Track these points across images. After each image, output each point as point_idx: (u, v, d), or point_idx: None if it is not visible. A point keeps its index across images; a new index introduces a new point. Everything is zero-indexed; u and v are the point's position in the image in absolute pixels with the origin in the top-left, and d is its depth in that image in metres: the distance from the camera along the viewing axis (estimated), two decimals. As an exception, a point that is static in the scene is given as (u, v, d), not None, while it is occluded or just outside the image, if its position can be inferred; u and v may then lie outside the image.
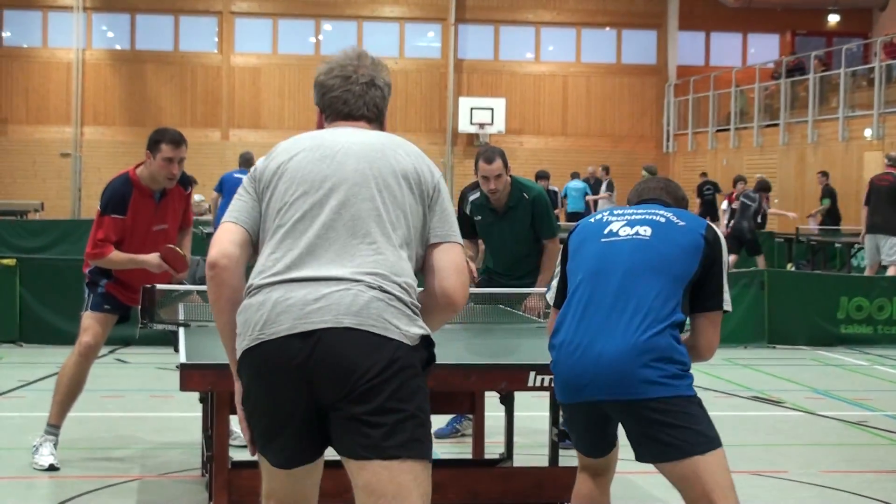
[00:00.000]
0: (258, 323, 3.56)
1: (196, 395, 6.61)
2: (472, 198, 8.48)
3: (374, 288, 3.53)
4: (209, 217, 22.00)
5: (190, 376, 4.87)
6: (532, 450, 7.69)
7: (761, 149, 30.48)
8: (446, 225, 3.73)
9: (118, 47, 34.75)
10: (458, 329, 6.48)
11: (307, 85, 33.97)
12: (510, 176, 8.26)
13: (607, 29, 36.16)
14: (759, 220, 22.02)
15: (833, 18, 36.36)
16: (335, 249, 3.59)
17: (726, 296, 4.56)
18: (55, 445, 7.58)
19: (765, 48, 36.30)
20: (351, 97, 3.83)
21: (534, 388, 5.18)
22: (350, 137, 3.76)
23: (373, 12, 35.08)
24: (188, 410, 8.51)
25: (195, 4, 34.72)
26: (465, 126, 34.60)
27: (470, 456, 6.96)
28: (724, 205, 23.92)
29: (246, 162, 17.80)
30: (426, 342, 3.60)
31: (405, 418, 3.50)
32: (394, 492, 3.46)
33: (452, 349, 5.97)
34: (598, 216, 4.78)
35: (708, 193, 26.89)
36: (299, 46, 35.07)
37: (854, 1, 35.57)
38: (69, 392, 7.58)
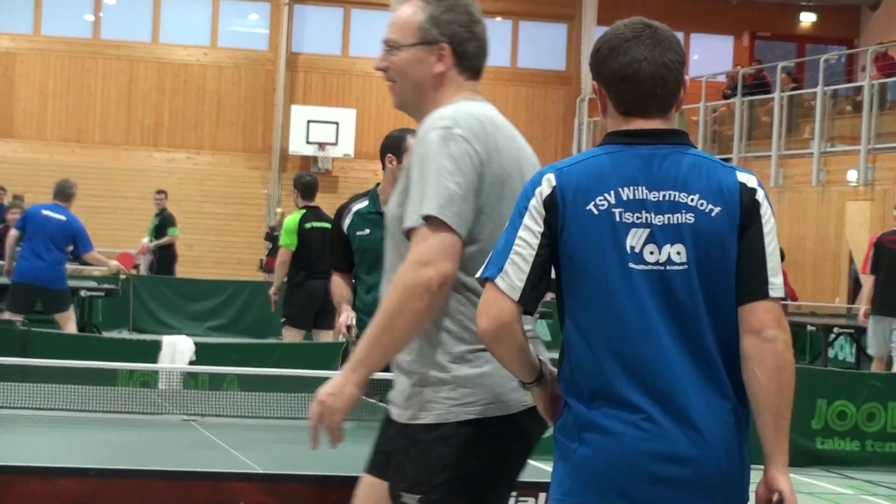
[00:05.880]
0: None
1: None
2: (356, 207, 8.65)
3: None
4: None
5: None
6: None
7: (706, 190, 29.06)
8: None
9: None
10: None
11: (79, 80, 34.27)
12: None
13: (498, 19, 34.11)
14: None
15: (807, 18, 36.37)
16: None
17: None
18: None
19: (714, 55, 35.74)
20: None
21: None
22: None
23: (174, -17, 34.23)
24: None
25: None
26: (298, 145, 32.88)
27: None
28: None
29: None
30: None
31: None
32: None
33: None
34: None
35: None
36: (70, 27, 33.66)
37: (836, -3, 35.92)
38: None
